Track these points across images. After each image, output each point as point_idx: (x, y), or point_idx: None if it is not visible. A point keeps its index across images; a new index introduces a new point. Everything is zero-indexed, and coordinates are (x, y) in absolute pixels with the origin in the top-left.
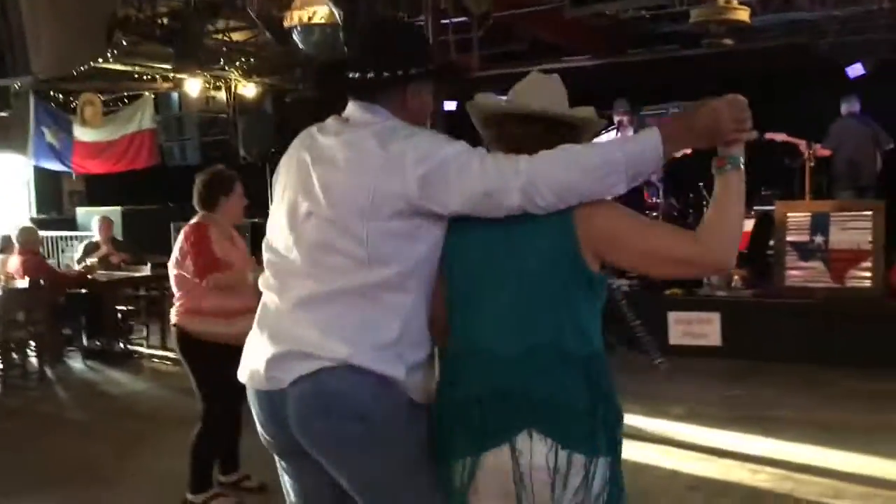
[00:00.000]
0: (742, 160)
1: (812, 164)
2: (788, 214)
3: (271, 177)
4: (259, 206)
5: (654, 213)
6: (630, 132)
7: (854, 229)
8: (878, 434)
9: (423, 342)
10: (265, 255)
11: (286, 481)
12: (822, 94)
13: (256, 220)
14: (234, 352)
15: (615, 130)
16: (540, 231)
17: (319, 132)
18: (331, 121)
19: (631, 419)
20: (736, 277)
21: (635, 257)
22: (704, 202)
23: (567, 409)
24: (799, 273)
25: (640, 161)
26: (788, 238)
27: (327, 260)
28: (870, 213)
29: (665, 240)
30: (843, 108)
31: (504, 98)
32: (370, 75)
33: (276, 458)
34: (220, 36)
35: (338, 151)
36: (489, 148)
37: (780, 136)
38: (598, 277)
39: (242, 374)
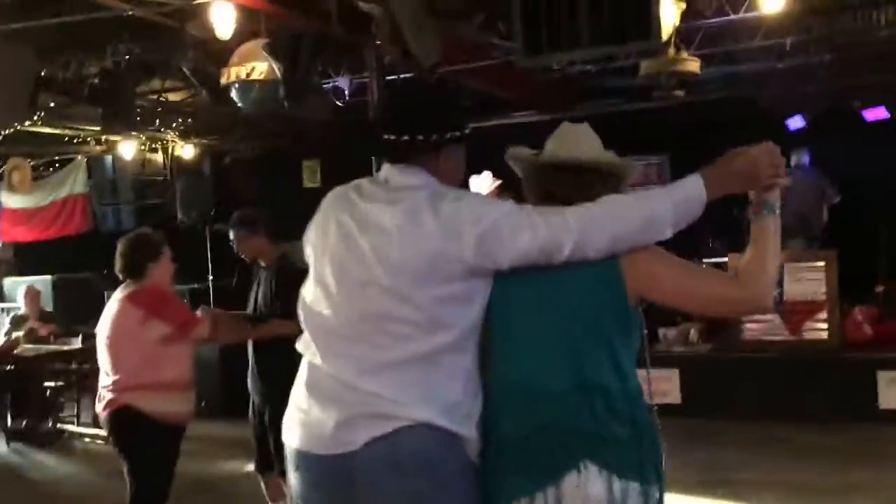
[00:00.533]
0: (778, 205)
1: None
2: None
3: (211, 240)
4: (198, 270)
5: None
6: None
7: (808, 280)
8: (844, 496)
9: (480, 394)
10: (306, 319)
11: None
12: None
13: (196, 285)
14: (177, 431)
15: None
16: (585, 274)
17: (359, 197)
18: (367, 184)
19: None
20: (693, 332)
21: (677, 296)
22: None
23: (615, 440)
24: (755, 326)
25: (686, 208)
26: None
27: (389, 328)
28: (822, 263)
29: (705, 280)
30: (793, 160)
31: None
32: (405, 138)
33: None
34: (155, 96)
35: (388, 219)
36: (529, 190)
37: None
38: (635, 316)
39: (292, 439)
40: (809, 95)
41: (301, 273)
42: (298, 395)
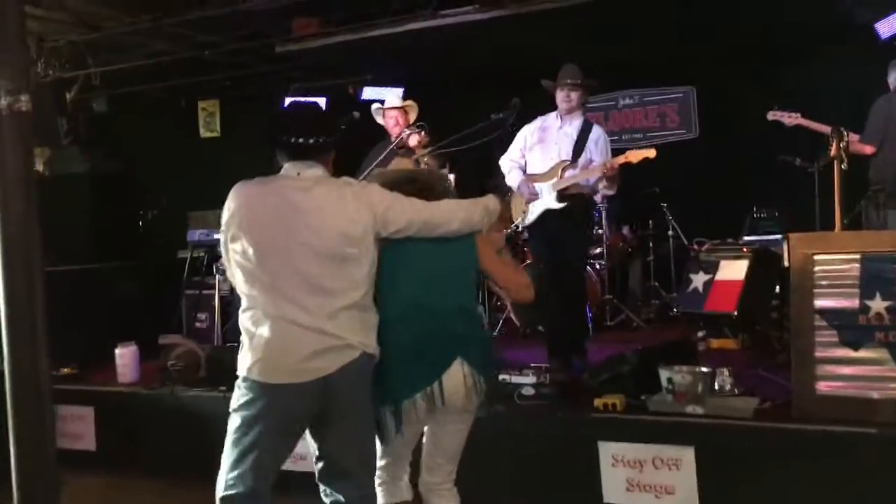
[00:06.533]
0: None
1: (845, 165)
2: (816, 256)
3: None
4: None
5: (598, 249)
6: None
7: None
8: None
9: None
10: (253, 284)
11: (253, 456)
12: (852, 64)
13: None
14: None
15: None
16: (459, 242)
17: (282, 186)
18: (280, 178)
19: None
20: (725, 375)
21: (496, 273)
22: (670, 231)
23: (476, 340)
24: (844, 370)
25: (487, 215)
26: (818, 302)
27: (328, 284)
28: None
29: (511, 268)
30: (892, 80)
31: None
32: (311, 141)
33: (254, 437)
34: None
35: (320, 200)
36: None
37: (792, 118)
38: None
39: (273, 377)
40: None
41: None
42: (270, 342)
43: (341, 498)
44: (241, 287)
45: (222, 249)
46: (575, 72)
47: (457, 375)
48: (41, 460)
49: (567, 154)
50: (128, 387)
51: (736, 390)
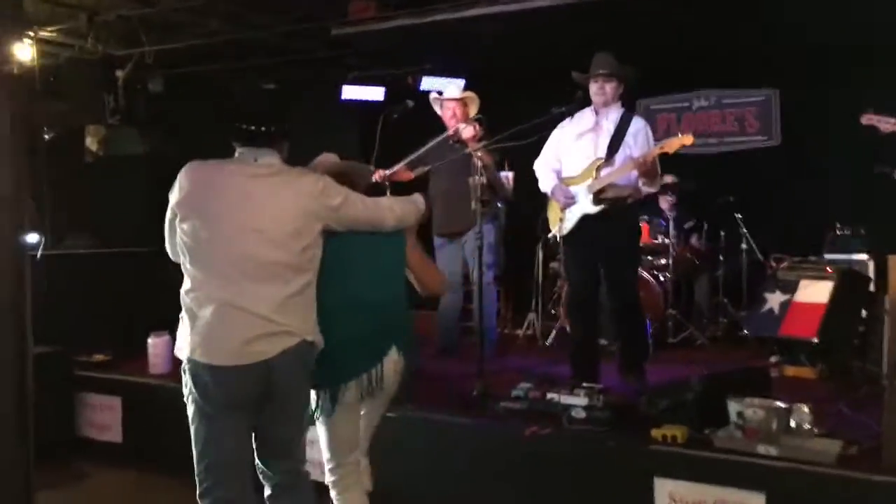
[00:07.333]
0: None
1: None
2: None
3: None
4: None
5: (664, 260)
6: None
7: None
8: None
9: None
10: (208, 264)
11: (213, 441)
12: None
13: None
14: None
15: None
16: (393, 238)
17: (240, 170)
18: (237, 162)
19: None
20: (804, 411)
21: (418, 266)
22: (743, 244)
23: (408, 329)
24: None
25: (412, 217)
26: None
27: (277, 272)
28: None
29: (426, 262)
30: None
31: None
32: (262, 129)
33: (208, 421)
34: None
35: (276, 188)
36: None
37: (889, 124)
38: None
39: (217, 358)
40: None
41: None
42: (206, 322)
43: (277, 476)
44: (186, 267)
45: (167, 228)
46: (608, 61)
47: (392, 361)
48: (11, 449)
49: (603, 151)
50: (157, 378)
51: (815, 430)
